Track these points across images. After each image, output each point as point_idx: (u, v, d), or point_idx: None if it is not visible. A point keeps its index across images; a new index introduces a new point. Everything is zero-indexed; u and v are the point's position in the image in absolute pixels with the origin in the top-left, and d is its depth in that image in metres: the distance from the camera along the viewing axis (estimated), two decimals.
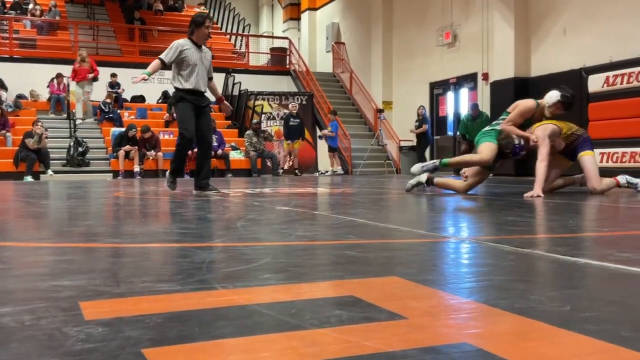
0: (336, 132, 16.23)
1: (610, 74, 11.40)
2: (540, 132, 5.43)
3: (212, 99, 7.20)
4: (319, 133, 16.70)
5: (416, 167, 5.79)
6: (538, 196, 5.05)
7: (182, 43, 6.34)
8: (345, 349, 1.03)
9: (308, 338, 1.10)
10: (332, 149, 16.26)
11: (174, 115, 6.76)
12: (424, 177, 5.79)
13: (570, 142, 5.67)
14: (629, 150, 11.10)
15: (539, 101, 5.64)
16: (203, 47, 6.49)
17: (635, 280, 1.65)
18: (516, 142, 5.51)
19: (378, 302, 1.36)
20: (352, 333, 1.13)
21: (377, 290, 1.52)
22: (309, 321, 1.21)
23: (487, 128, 5.82)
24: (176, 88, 6.37)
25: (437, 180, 5.88)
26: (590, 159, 5.64)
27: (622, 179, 5.91)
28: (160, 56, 6.36)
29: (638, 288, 1.56)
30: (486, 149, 5.54)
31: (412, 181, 5.88)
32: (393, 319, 1.23)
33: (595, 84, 11.74)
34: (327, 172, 16.67)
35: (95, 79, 15.68)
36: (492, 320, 1.24)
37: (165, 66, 6.35)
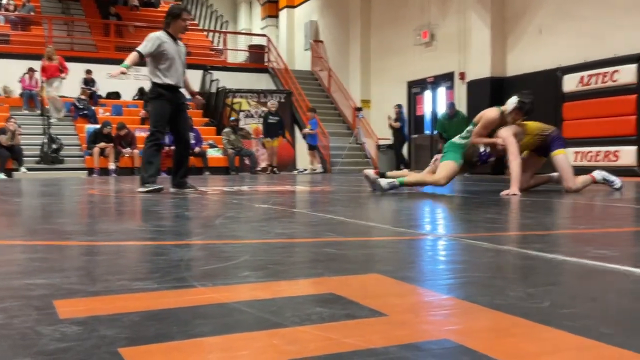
0: (316, 129, 16.22)
1: (585, 73, 11.55)
2: (504, 132, 5.49)
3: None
4: (302, 131, 16.58)
5: (383, 183, 5.71)
6: (514, 194, 5.09)
7: (159, 36, 6.09)
8: (326, 347, 1.02)
9: (288, 336, 1.09)
10: (312, 147, 16.24)
11: (150, 110, 6.28)
12: (394, 180, 5.73)
13: (541, 142, 5.71)
14: (603, 149, 11.27)
15: (502, 108, 5.68)
16: (179, 40, 6.27)
17: (612, 276, 1.66)
18: (481, 150, 5.60)
19: (358, 300, 1.36)
20: (332, 330, 1.12)
21: (358, 288, 1.51)
22: (289, 319, 1.20)
23: (456, 140, 5.79)
24: (154, 83, 6.05)
25: (407, 179, 5.82)
26: (563, 158, 5.67)
27: (598, 175, 5.93)
28: (137, 48, 6.07)
29: (615, 284, 1.58)
30: (444, 170, 5.57)
31: (385, 183, 5.74)
32: (373, 316, 1.22)
33: (570, 83, 11.89)
34: (305, 170, 16.65)
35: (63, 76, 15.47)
36: (472, 317, 1.24)
37: (143, 59, 6.07)
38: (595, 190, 5.60)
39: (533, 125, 5.76)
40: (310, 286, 1.56)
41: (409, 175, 5.90)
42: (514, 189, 5.17)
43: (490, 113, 5.63)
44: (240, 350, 1.01)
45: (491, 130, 5.63)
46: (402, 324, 1.17)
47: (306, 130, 16.26)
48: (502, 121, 5.60)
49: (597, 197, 5.09)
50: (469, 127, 5.76)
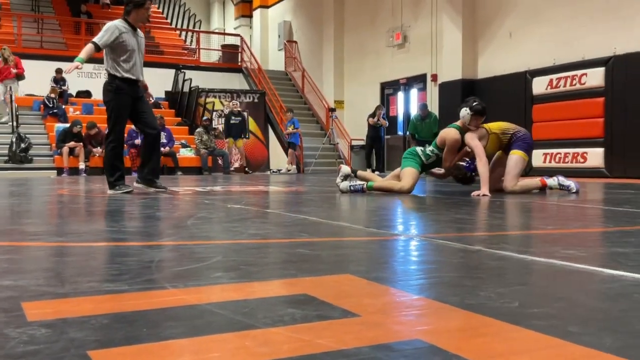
0: (299, 127, 16.18)
1: (554, 76, 11.74)
2: (469, 138, 5.58)
3: None
4: (286, 130, 16.37)
5: (343, 185, 5.75)
6: (485, 195, 5.15)
7: (117, 25, 5.68)
8: (299, 348, 1.02)
9: (261, 337, 1.08)
10: (294, 146, 16.14)
11: (109, 107, 5.78)
12: (360, 181, 5.75)
13: (507, 141, 5.77)
14: (571, 150, 11.46)
15: (458, 124, 5.77)
16: (138, 30, 5.89)
17: (580, 276, 1.69)
18: (463, 163, 5.71)
19: (331, 300, 1.36)
20: (305, 331, 1.12)
21: (330, 288, 1.51)
22: (261, 320, 1.20)
23: (418, 151, 5.84)
24: (112, 76, 5.67)
25: (376, 184, 5.85)
26: (514, 158, 5.66)
27: (552, 181, 5.78)
28: (93, 39, 5.69)
29: (583, 284, 1.61)
30: (409, 177, 5.65)
31: (347, 184, 5.73)
32: (346, 317, 1.23)
33: (539, 86, 12.07)
34: (280, 170, 16.59)
35: (20, 77, 15.13)
36: (443, 317, 1.25)
37: (99, 50, 5.70)
38: (563, 192, 5.69)
39: (495, 125, 5.82)
40: (283, 287, 1.56)
41: (378, 180, 5.92)
42: (484, 189, 5.24)
43: (451, 135, 5.71)
44: (212, 352, 1.00)
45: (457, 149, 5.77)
46: (374, 325, 1.17)
47: (290, 129, 16.10)
48: (463, 137, 5.71)
49: (565, 199, 5.18)
50: (431, 148, 5.84)
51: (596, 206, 4.71)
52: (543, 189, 5.77)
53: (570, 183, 5.70)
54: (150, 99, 6.61)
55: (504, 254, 2.06)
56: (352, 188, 5.63)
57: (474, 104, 5.67)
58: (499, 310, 1.28)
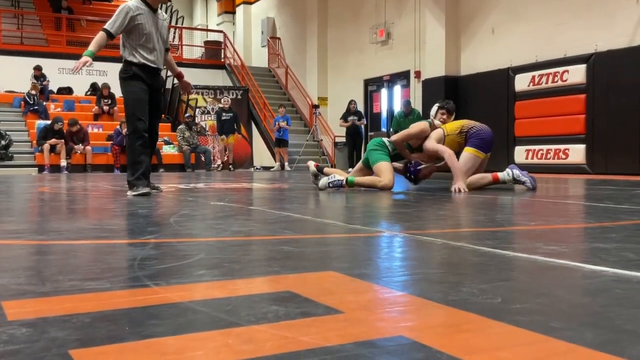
0: (290, 125, 16.12)
1: (536, 73, 11.83)
2: (428, 145, 5.67)
3: None
4: (278, 125, 16.23)
5: (322, 182, 5.78)
6: (461, 188, 5.25)
7: (132, 6, 5.02)
8: (282, 345, 1.02)
9: (244, 335, 1.08)
10: (285, 143, 16.05)
11: (125, 95, 5.12)
12: (340, 176, 5.74)
13: (463, 141, 5.76)
14: (553, 147, 11.56)
15: (430, 120, 5.89)
16: (159, 10, 5.24)
17: (562, 272, 1.71)
18: (400, 165, 5.88)
19: (314, 297, 1.36)
20: (288, 329, 1.12)
21: (314, 285, 1.51)
22: (245, 318, 1.19)
23: (382, 141, 5.89)
24: (127, 62, 5.06)
25: (357, 180, 5.88)
26: (463, 156, 5.61)
27: (506, 175, 5.67)
28: (105, 26, 5.00)
29: (565, 280, 1.62)
30: (387, 172, 5.66)
31: (325, 180, 5.75)
32: (329, 314, 1.23)
33: (521, 83, 12.16)
34: (272, 167, 16.46)
35: None
36: (426, 313, 1.26)
37: (112, 38, 5.06)
38: (546, 188, 5.74)
39: (452, 125, 5.81)
40: (266, 284, 1.56)
41: (358, 178, 5.93)
42: (459, 182, 5.30)
43: (420, 124, 5.80)
44: (195, 351, 1.00)
45: (418, 141, 5.84)
46: (357, 322, 1.17)
47: (283, 124, 15.93)
48: (431, 131, 5.77)
49: (546, 195, 5.22)
50: (389, 138, 5.97)
51: (577, 202, 4.75)
52: (496, 183, 5.70)
53: (527, 179, 5.61)
54: (185, 84, 5.94)
55: (487, 250, 2.07)
56: (330, 185, 5.65)
57: (446, 102, 5.91)
58: (482, 306, 1.29)
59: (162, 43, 5.25)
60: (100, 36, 4.98)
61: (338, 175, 5.73)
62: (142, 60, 5.04)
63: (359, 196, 5.04)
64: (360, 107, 16.11)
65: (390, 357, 0.96)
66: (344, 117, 14.89)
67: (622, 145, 10.44)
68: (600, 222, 3.09)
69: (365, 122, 15.38)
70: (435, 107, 5.98)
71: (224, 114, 15.59)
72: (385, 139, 5.94)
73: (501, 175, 5.68)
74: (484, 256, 1.97)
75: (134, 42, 5.03)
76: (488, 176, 5.69)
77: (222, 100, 16.08)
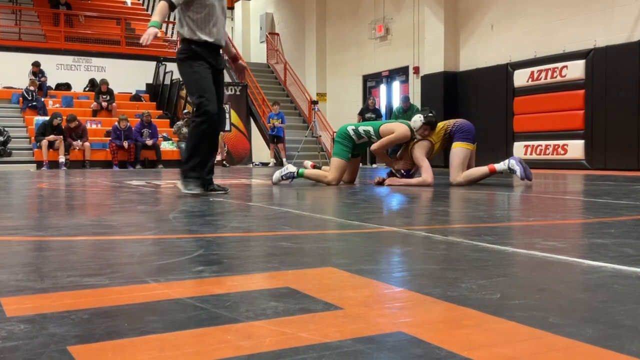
0: (285, 122, 16.10)
1: (535, 69, 11.82)
2: (419, 155, 5.70)
3: None
4: (274, 124, 16.18)
5: (275, 176, 5.94)
6: (389, 183, 5.63)
7: None
8: (282, 341, 1.02)
9: (243, 331, 1.08)
10: (280, 139, 16.02)
11: (187, 78, 4.57)
12: (293, 168, 5.98)
13: (448, 138, 5.79)
14: (552, 143, 11.56)
15: (411, 125, 5.86)
16: None
17: (561, 268, 1.71)
18: (400, 172, 5.94)
19: (314, 293, 1.36)
20: (288, 325, 1.11)
21: (313, 281, 1.51)
22: (244, 314, 1.19)
23: (350, 131, 5.94)
24: (187, 41, 4.53)
25: (307, 172, 6.07)
26: (454, 151, 5.68)
27: (502, 165, 5.63)
28: None
29: (564, 275, 1.62)
30: (334, 169, 5.80)
31: (278, 174, 5.98)
32: (329, 310, 1.23)
33: (520, 78, 12.15)
34: (268, 164, 16.43)
35: None
36: (425, 309, 1.26)
37: (173, 9, 4.52)
38: (544, 183, 5.73)
39: (436, 134, 5.84)
40: (266, 280, 1.56)
41: (308, 170, 6.16)
42: (396, 180, 5.64)
43: (403, 130, 5.81)
44: (194, 347, 0.99)
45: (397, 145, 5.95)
46: (356, 317, 1.17)
47: (276, 122, 15.91)
48: (411, 137, 5.83)
49: (545, 190, 5.22)
50: (367, 129, 5.90)
51: (576, 198, 4.76)
52: (493, 174, 5.70)
53: (518, 169, 5.52)
54: (240, 67, 5.16)
55: (485, 245, 2.07)
56: (283, 177, 5.83)
57: (429, 114, 5.73)
58: (481, 301, 1.29)
59: (224, 16, 4.69)
60: (162, 6, 4.43)
61: (291, 167, 5.88)
62: (204, 37, 4.48)
63: (358, 193, 5.04)
64: (359, 103, 16.10)
65: (389, 353, 0.96)
66: (362, 114, 14.92)
67: (620, 140, 10.44)
68: (599, 217, 3.09)
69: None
70: (419, 120, 5.72)
71: None
72: (350, 128, 5.95)
73: (498, 166, 5.67)
74: (482, 252, 1.97)
75: (194, 16, 4.47)
76: (485, 169, 5.69)
77: None
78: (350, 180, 6.19)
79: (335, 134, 6.03)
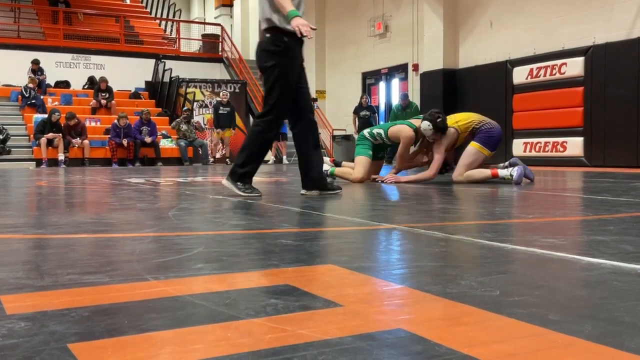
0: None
1: (534, 66, 11.82)
2: (437, 149, 5.68)
3: None
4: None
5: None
6: (389, 180, 5.61)
7: None
8: (281, 339, 1.02)
9: (243, 328, 1.08)
10: (284, 136, 15.98)
11: (272, 74, 4.07)
12: (326, 166, 5.98)
13: (472, 133, 5.77)
14: (551, 140, 11.57)
15: (416, 125, 5.83)
16: None
17: (560, 264, 1.71)
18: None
19: (313, 291, 1.36)
20: (287, 322, 1.12)
21: (312, 279, 1.51)
22: (244, 311, 1.19)
23: (366, 134, 6.03)
24: (279, 30, 4.00)
25: (337, 171, 6.17)
26: (468, 150, 5.66)
27: (506, 171, 5.54)
28: None
29: (563, 272, 1.62)
30: (359, 165, 5.90)
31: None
32: (328, 307, 1.23)
33: (519, 75, 12.15)
34: (267, 161, 16.41)
35: None
36: (424, 306, 1.26)
37: None
38: (544, 181, 5.74)
39: (464, 122, 5.74)
40: (265, 278, 1.56)
41: (338, 169, 6.25)
42: (390, 176, 5.69)
43: (405, 132, 5.82)
44: (194, 344, 1.00)
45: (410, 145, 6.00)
46: (356, 315, 1.17)
47: None
48: (417, 137, 5.88)
49: (544, 187, 5.23)
50: (379, 131, 5.99)
51: (575, 195, 4.76)
52: (495, 179, 5.59)
53: (515, 172, 5.41)
54: None
55: (485, 242, 2.07)
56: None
57: (438, 120, 5.54)
58: (480, 299, 1.29)
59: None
60: None
61: (325, 164, 5.88)
62: (289, 28, 3.96)
63: (357, 190, 5.04)
64: (358, 101, 16.09)
65: (389, 350, 0.96)
66: (356, 112, 14.90)
67: (620, 137, 10.44)
68: (598, 214, 3.10)
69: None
70: (428, 129, 5.55)
71: (221, 107, 15.55)
72: (365, 132, 6.11)
73: (501, 172, 5.58)
74: (482, 249, 1.97)
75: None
76: (488, 172, 5.64)
77: (220, 94, 16.04)
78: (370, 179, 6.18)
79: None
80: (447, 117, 5.76)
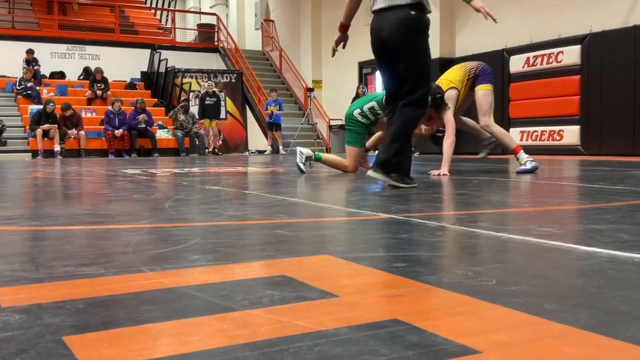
0: (282, 109, 16.05)
1: (531, 54, 11.80)
2: (447, 116, 5.46)
3: None
4: (271, 112, 16.04)
5: (299, 166, 5.76)
6: (444, 175, 5.18)
7: None
8: (277, 330, 1.02)
9: (239, 320, 1.08)
10: (279, 127, 15.96)
11: (418, 52, 3.84)
12: (307, 151, 5.83)
13: (472, 82, 5.68)
14: (547, 128, 11.57)
15: None
16: None
17: (556, 253, 1.71)
18: (439, 134, 5.78)
19: (309, 281, 1.36)
20: (283, 313, 1.11)
21: (309, 269, 1.51)
22: (240, 302, 1.19)
23: (354, 117, 5.64)
24: (419, 7, 3.82)
25: (324, 157, 5.96)
26: (480, 95, 5.56)
27: (524, 155, 5.46)
28: None
29: (559, 261, 1.62)
30: (351, 158, 5.65)
31: (300, 163, 5.74)
32: (325, 298, 1.23)
33: (516, 64, 12.13)
34: (265, 151, 16.41)
35: None
36: (421, 296, 1.26)
37: None
38: (540, 169, 5.73)
39: (457, 77, 5.65)
40: (261, 269, 1.56)
41: (326, 156, 6.05)
42: (444, 169, 5.26)
43: None
44: (190, 336, 0.99)
45: None
46: (352, 305, 1.17)
47: (274, 109, 15.84)
48: None
49: (540, 176, 5.23)
50: (371, 105, 5.57)
51: (572, 183, 4.76)
52: (512, 154, 5.56)
53: (530, 164, 5.37)
54: None
55: (481, 232, 2.07)
56: (306, 163, 5.73)
57: (437, 95, 5.40)
58: (476, 288, 1.29)
59: None
60: None
61: (305, 150, 5.81)
62: (429, 7, 3.90)
63: (354, 180, 5.04)
64: (355, 91, 16.05)
65: (384, 341, 0.96)
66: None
67: (616, 126, 10.44)
68: (595, 203, 3.10)
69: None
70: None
71: (207, 98, 15.47)
72: (356, 112, 5.62)
73: (521, 154, 5.45)
74: (478, 238, 1.97)
75: None
76: (514, 143, 5.58)
77: (206, 84, 15.93)
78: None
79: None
80: (439, 83, 5.63)
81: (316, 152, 5.90)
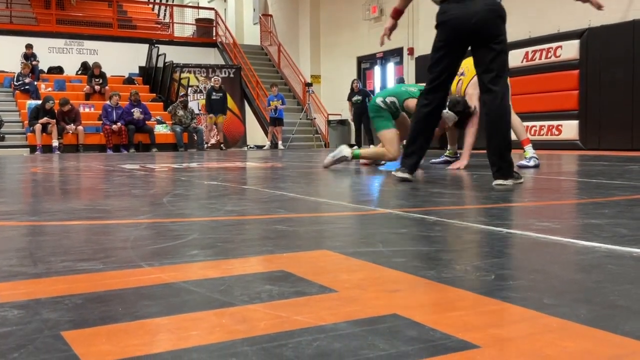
0: (285, 103, 16.03)
1: (530, 49, 11.78)
2: (474, 99, 5.32)
3: None
4: (275, 107, 15.98)
5: (327, 160, 5.67)
6: (459, 168, 5.18)
7: None
8: (276, 325, 1.02)
9: (238, 315, 1.08)
10: (281, 122, 15.91)
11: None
12: (347, 151, 5.63)
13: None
14: (546, 123, 11.56)
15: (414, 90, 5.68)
16: None
17: (555, 248, 1.71)
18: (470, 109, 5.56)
19: (308, 276, 1.36)
20: (282, 308, 1.11)
21: (308, 264, 1.51)
22: (238, 297, 1.19)
23: (378, 105, 5.57)
24: None
25: (363, 152, 5.83)
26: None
27: (531, 151, 5.55)
28: None
29: (558, 256, 1.62)
30: (390, 141, 5.50)
31: (330, 157, 5.66)
32: (323, 293, 1.22)
33: (515, 59, 12.10)
34: (264, 146, 16.39)
35: None
36: (420, 291, 1.26)
37: None
38: (539, 165, 5.73)
39: (468, 80, 5.64)
40: (260, 264, 1.56)
41: (363, 150, 5.91)
42: (464, 161, 5.24)
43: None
44: (189, 331, 0.99)
45: None
46: (351, 300, 1.17)
47: (277, 103, 15.79)
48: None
49: (539, 171, 5.23)
50: (393, 100, 5.53)
51: (570, 178, 4.76)
52: (522, 145, 5.56)
53: (534, 161, 5.46)
54: None
55: (480, 227, 2.07)
56: (334, 159, 5.56)
57: (458, 106, 5.42)
58: (475, 283, 1.29)
59: None
60: None
61: (345, 150, 5.60)
62: None
63: (353, 175, 5.04)
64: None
65: (383, 336, 0.96)
66: (349, 98, 14.82)
67: (615, 121, 10.44)
68: (593, 198, 3.10)
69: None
70: (454, 118, 5.46)
71: (214, 93, 15.47)
72: (379, 100, 5.59)
73: (528, 147, 5.51)
74: (477, 233, 1.97)
75: None
76: (525, 135, 5.55)
77: (212, 79, 15.95)
78: None
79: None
80: (464, 68, 5.58)
81: (354, 150, 5.67)
